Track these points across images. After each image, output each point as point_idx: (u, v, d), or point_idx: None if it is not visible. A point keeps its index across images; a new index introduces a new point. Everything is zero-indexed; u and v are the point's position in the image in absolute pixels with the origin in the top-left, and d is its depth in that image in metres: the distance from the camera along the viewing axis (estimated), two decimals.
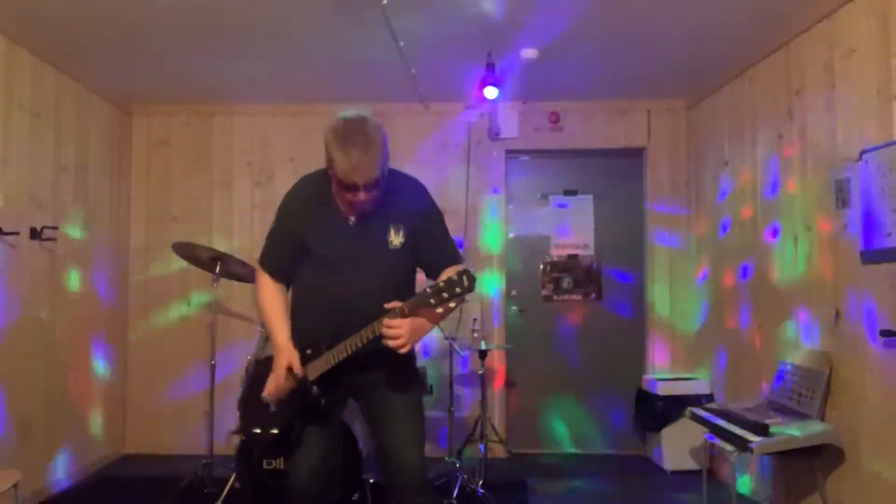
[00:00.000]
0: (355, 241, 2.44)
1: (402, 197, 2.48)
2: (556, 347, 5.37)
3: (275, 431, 2.46)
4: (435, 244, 2.51)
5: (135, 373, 5.27)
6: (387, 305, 2.24)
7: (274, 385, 2.41)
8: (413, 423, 2.54)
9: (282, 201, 2.57)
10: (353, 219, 2.45)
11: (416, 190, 2.54)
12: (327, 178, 2.41)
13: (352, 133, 2.27)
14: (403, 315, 2.22)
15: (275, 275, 2.53)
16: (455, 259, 2.50)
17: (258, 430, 2.52)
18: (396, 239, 2.44)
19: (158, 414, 5.21)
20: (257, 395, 2.49)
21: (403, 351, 2.26)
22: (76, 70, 4.43)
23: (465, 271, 2.16)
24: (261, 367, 2.60)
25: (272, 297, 2.52)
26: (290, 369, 2.37)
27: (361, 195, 2.31)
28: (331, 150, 2.28)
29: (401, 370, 2.48)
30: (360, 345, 2.32)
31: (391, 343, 2.23)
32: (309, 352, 2.42)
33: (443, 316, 2.36)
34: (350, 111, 2.36)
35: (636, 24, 3.75)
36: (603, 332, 5.36)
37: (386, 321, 2.22)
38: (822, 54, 3.49)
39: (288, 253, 2.51)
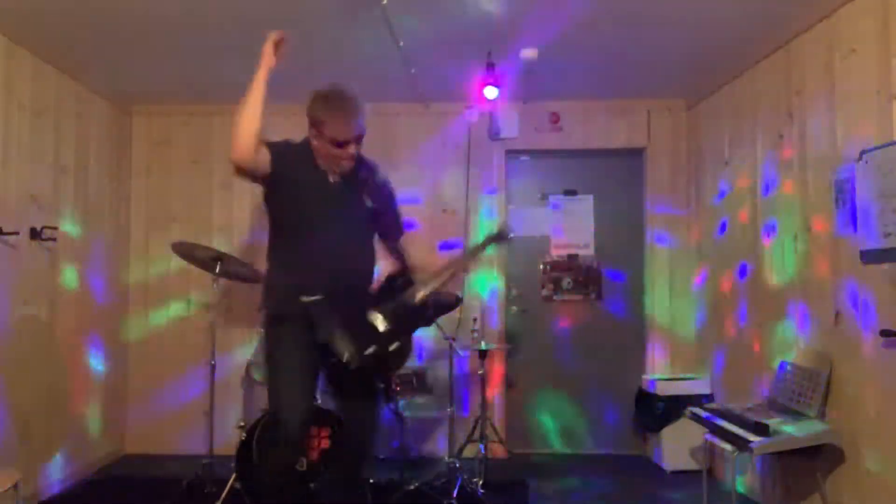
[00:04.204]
0: (338, 198, 2.82)
1: (369, 169, 2.96)
2: (556, 347, 5.36)
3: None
4: (390, 213, 3.05)
5: (135, 373, 5.27)
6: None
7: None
8: (372, 416, 3.04)
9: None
10: (333, 178, 2.83)
11: (377, 167, 3.01)
12: (306, 144, 2.81)
13: (341, 97, 2.76)
14: None
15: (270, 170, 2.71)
16: (402, 231, 3.12)
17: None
18: (368, 201, 2.90)
19: (158, 414, 5.20)
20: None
21: None
22: (76, 70, 4.43)
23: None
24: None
25: None
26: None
27: (352, 148, 2.75)
28: (322, 113, 2.72)
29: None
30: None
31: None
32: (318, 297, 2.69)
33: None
34: (325, 85, 2.81)
35: (636, 24, 3.75)
36: (603, 332, 5.35)
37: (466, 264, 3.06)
38: (822, 54, 3.49)
39: (279, 171, 2.70)
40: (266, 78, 2.63)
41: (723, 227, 4.65)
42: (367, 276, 2.92)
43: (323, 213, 2.80)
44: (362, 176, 2.92)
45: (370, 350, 2.71)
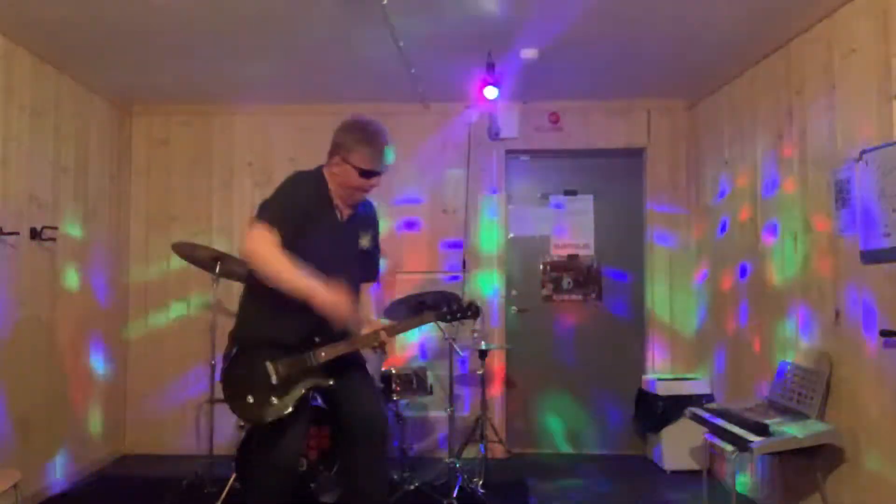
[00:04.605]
0: (342, 239, 2.74)
1: (369, 208, 2.94)
2: (556, 347, 5.37)
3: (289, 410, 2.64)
4: (375, 257, 2.98)
5: (135, 373, 5.27)
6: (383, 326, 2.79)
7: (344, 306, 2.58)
8: (371, 386, 2.93)
9: (290, 185, 2.72)
10: (344, 216, 2.78)
11: (373, 205, 2.96)
12: (321, 177, 2.74)
13: (375, 129, 2.73)
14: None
15: (280, 243, 2.58)
16: (378, 276, 3.01)
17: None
18: (364, 241, 2.87)
19: (158, 414, 5.20)
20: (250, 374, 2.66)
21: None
22: (76, 70, 4.43)
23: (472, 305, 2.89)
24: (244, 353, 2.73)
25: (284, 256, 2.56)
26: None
27: (375, 181, 2.73)
28: (357, 144, 2.67)
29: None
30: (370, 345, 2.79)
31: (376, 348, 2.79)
32: (318, 339, 2.69)
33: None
34: (356, 115, 2.80)
35: (636, 24, 3.75)
36: (603, 332, 5.35)
37: (385, 338, 2.77)
38: (822, 54, 3.49)
39: (292, 231, 2.60)
40: (317, 302, 2.53)
41: (723, 227, 4.64)
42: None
43: (327, 252, 2.67)
44: (363, 214, 2.87)
45: (250, 400, 2.62)
